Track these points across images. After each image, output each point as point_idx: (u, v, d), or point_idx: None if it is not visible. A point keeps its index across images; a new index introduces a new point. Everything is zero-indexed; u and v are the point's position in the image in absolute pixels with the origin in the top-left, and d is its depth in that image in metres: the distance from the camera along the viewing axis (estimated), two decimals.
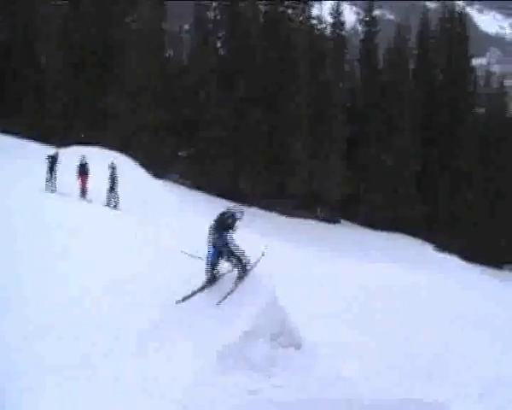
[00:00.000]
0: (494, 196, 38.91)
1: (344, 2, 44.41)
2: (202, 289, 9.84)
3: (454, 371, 10.77)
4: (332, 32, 39.95)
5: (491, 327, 13.58)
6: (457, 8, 45.04)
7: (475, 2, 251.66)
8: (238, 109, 33.82)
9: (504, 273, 36.83)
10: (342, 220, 34.96)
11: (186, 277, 9.94)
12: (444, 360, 11.17)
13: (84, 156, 19.92)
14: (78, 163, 19.61)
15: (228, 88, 33.91)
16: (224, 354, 8.55)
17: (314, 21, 39.37)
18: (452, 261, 30.79)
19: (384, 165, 36.31)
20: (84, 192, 19.35)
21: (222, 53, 36.77)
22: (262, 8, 37.97)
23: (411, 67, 41.89)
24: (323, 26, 39.84)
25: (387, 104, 37.37)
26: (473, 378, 10.58)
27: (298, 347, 9.60)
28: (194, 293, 9.70)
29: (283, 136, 33.73)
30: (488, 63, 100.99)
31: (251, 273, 9.95)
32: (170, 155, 34.31)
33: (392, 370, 10.32)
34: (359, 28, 42.76)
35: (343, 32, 40.53)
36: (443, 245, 34.08)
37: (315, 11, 39.86)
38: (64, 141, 27.04)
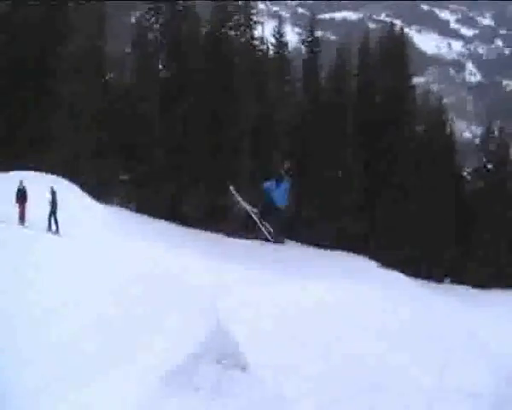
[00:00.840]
0: (433, 211, 39.45)
1: (286, 23, 44.80)
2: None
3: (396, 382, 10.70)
4: (275, 53, 40.12)
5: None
6: (397, 29, 45.95)
7: (415, 20, 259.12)
8: (180, 131, 33.54)
9: (444, 286, 37.90)
10: (287, 240, 34.88)
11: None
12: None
13: (22, 181, 19.39)
14: (16, 188, 19.09)
15: (170, 110, 33.59)
16: (169, 378, 8.36)
17: (256, 42, 39.53)
18: (395, 276, 31.37)
19: (327, 182, 36.51)
20: (22, 218, 18.77)
21: (164, 75, 36.43)
22: (203, 29, 38.07)
23: (353, 86, 42.48)
24: (266, 47, 40.10)
25: (330, 123, 37.65)
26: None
27: (243, 368, 9.42)
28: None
29: (226, 157, 33.61)
30: (427, 82, 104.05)
31: (196, 295, 9.78)
32: (112, 179, 33.69)
33: (333, 389, 10.20)
34: (302, 49, 43.21)
35: (286, 53, 40.66)
36: (386, 261, 34.57)
37: (257, 32, 39.95)
38: (1, 166, 26.21)
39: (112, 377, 8.07)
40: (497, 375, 11.27)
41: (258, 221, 10.89)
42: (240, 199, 11.19)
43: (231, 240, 29.32)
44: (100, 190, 29.61)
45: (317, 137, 37.49)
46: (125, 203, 33.31)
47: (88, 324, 9.15)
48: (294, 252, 32.13)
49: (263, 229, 11.11)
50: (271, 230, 10.55)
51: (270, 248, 30.04)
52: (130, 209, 32.55)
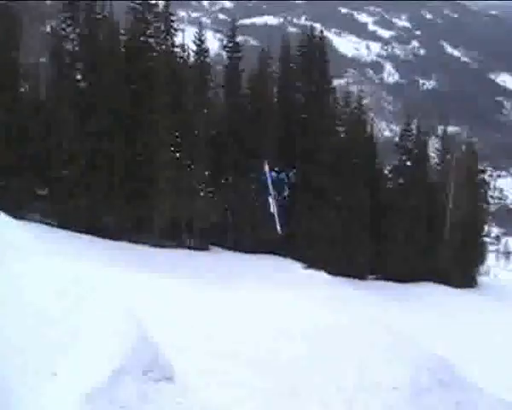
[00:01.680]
0: (347, 211, 40.33)
1: (207, 29, 44.69)
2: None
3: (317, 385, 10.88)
4: (195, 60, 39.98)
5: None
6: (317, 32, 46.61)
7: (334, 24, 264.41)
8: (96, 144, 32.91)
9: (366, 283, 39.06)
10: (212, 247, 35.04)
11: None
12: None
13: None
14: None
15: (87, 122, 32.90)
16: (91, 397, 8.03)
17: (177, 50, 39.34)
18: (319, 277, 32.13)
19: (246, 190, 36.76)
20: None
21: (81, 86, 35.63)
22: (122, 38, 37.61)
23: (274, 91, 42.94)
24: (186, 54, 39.95)
25: (251, 129, 37.92)
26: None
27: (170, 379, 9.31)
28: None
29: (145, 168, 33.32)
30: (347, 83, 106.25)
31: (119, 308, 9.62)
32: (28, 195, 32.64)
33: (264, 391, 10.27)
34: (223, 55, 43.32)
35: (207, 59, 40.53)
36: (309, 262, 35.30)
37: (178, 40, 39.71)
38: None
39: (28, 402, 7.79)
40: (415, 367, 11.65)
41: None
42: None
43: (157, 250, 29.06)
44: (16, 207, 28.39)
45: (237, 144, 37.62)
46: (45, 219, 32.32)
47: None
48: (223, 258, 32.30)
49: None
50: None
51: (195, 255, 30.08)
52: (52, 225, 31.64)
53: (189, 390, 9.34)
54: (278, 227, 14.75)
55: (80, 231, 29.44)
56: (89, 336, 9.10)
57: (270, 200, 14.61)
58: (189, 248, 33.55)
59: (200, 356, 10.96)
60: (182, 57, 39.60)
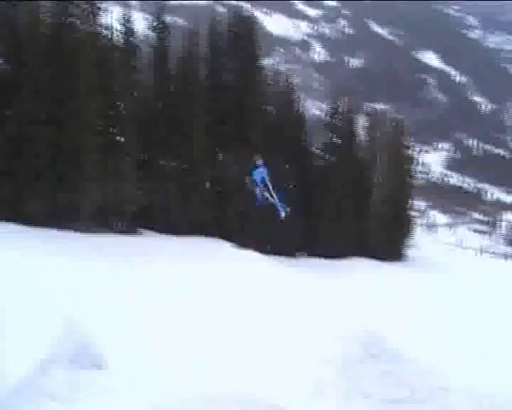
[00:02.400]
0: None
1: (134, 10, 43.65)
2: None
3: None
4: (122, 41, 39.07)
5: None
6: (245, 12, 46.45)
7: (262, 3, 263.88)
8: (17, 131, 31.78)
9: (297, 260, 40.08)
10: (142, 230, 34.72)
11: None
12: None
13: None
14: None
15: (6, 108, 31.75)
16: (19, 388, 7.91)
17: (103, 30, 38.31)
18: (250, 255, 32.51)
19: (176, 173, 36.53)
20: None
21: (2, 69, 34.21)
22: (44, 18, 36.33)
23: (203, 72, 42.55)
24: (112, 34, 38.96)
25: (179, 111, 37.58)
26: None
27: (101, 366, 9.28)
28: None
29: (72, 152, 32.47)
30: (276, 63, 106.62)
31: (48, 295, 9.51)
32: None
33: (198, 367, 10.41)
34: (151, 35, 42.52)
35: (134, 40, 39.65)
36: (239, 242, 35.59)
37: (104, 20, 38.59)
38: None
39: None
40: (347, 340, 12.05)
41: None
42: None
43: (84, 236, 28.56)
44: None
45: (166, 127, 37.22)
46: None
47: None
48: (152, 241, 32.05)
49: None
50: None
51: (124, 239, 29.74)
52: None
53: (121, 377, 9.34)
54: (282, 213, 15.77)
55: (3, 219, 28.56)
56: (15, 326, 8.93)
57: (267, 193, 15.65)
58: (118, 232, 33.03)
59: (132, 342, 10.97)
60: (108, 38, 38.63)
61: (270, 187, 14.77)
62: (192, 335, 11.86)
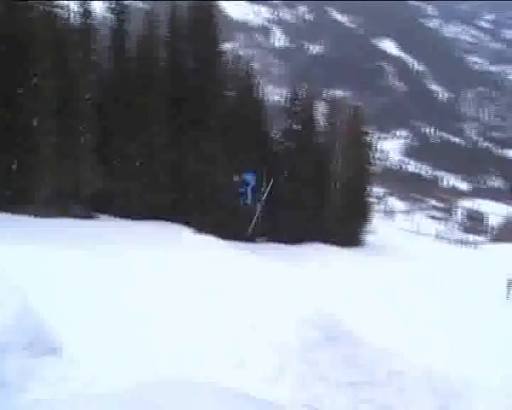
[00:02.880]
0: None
1: None
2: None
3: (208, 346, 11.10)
4: (79, 22, 38.29)
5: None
6: None
7: None
8: None
9: (256, 245, 40.07)
10: (97, 214, 34.24)
11: None
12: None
13: None
14: None
15: None
16: None
17: (59, 10, 37.46)
18: (209, 241, 32.52)
19: (135, 156, 36.13)
20: None
21: None
22: None
23: (162, 55, 42.00)
24: (69, 15, 38.13)
25: (137, 95, 37.06)
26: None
27: (56, 353, 9.10)
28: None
29: (27, 135, 31.70)
30: (235, 48, 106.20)
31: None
32: None
33: (153, 357, 10.36)
34: (109, 17, 41.75)
35: (91, 22, 38.90)
36: (198, 227, 35.46)
37: (59, 1, 37.70)
38: None
39: None
40: (304, 324, 12.13)
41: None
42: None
43: (39, 220, 28.07)
44: None
45: (125, 110, 36.68)
46: None
47: None
48: (109, 225, 31.67)
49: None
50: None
51: (79, 223, 29.32)
52: None
53: (77, 363, 9.20)
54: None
55: None
56: None
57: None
58: (74, 216, 32.43)
59: (89, 329, 10.85)
60: (64, 19, 37.78)
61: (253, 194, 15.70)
62: (152, 321, 11.81)
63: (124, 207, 35.59)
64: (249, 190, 15.65)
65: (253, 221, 15.83)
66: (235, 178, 16.40)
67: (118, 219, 34.04)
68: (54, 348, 9.03)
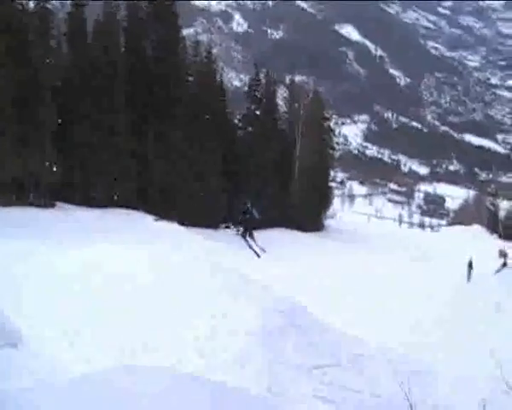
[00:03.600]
0: (202, 164, 40.52)
1: None
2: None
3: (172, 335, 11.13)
4: (36, 6, 37.38)
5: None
6: None
7: None
8: None
9: (219, 232, 40.05)
10: (58, 203, 33.58)
11: None
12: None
13: None
14: None
15: None
16: None
17: None
18: (172, 228, 32.41)
19: (97, 145, 35.61)
20: None
21: None
22: None
23: (122, 41, 41.35)
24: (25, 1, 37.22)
25: (98, 81, 36.48)
26: None
27: (15, 346, 9.01)
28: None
29: None
30: (196, 33, 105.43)
31: None
32: None
33: (115, 346, 10.34)
34: (67, 2, 40.95)
35: (48, 6, 38.03)
36: (162, 215, 35.30)
37: None
38: None
39: None
40: (268, 311, 12.23)
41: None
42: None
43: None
44: None
45: (85, 96, 36.03)
46: None
47: None
48: (71, 214, 31.18)
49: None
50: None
51: (40, 213, 28.85)
52: None
53: (37, 355, 9.14)
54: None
55: None
56: None
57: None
58: (35, 205, 31.78)
59: (48, 320, 10.77)
60: (20, 3, 36.91)
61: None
62: (114, 309, 11.76)
63: (85, 196, 35.12)
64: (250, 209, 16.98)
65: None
66: (244, 205, 17.91)
67: (79, 208, 33.46)
68: (14, 342, 8.94)
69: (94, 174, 35.52)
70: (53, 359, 9.15)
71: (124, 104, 36.98)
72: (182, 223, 35.16)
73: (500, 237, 68.30)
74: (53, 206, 32.90)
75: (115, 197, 35.99)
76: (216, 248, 30.30)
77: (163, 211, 36.01)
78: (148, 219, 34.32)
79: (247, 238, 24.16)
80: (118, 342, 10.59)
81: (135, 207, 36.08)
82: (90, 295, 12.52)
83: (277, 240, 39.14)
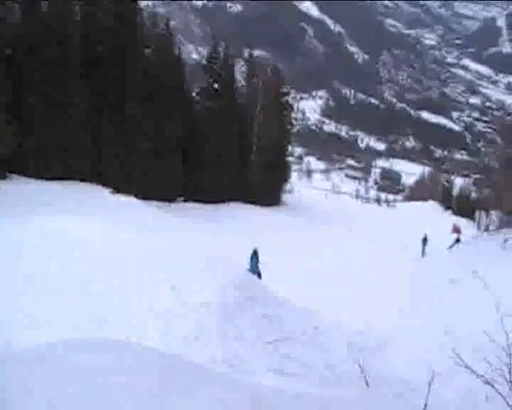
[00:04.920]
0: (160, 139, 40.11)
1: None
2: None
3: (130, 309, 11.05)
4: None
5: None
6: None
7: None
8: None
9: (177, 206, 39.94)
10: (11, 175, 32.72)
11: None
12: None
13: None
14: None
15: None
16: None
17: None
18: (129, 202, 32.07)
19: (50, 117, 34.76)
20: None
21: None
22: None
23: (78, 12, 40.19)
24: None
25: (51, 52, 35.44)
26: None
27: None
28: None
29: None
30: (154, 5, 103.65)
31: None
32: None
33: (76, 323, 10.21)
34: None
35: None
36: (118, 188, 34.87)
37: None
38: None
39: None
40: (224, 285, 12.23)
41: None
42: None
43: None
44: None
45: (38, 67, 35.01)
46: None
47: None
48: (24, 187, 30.41)
49: None
50: None
51: None
52: None
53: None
54: None
55: None
56: None
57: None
58: None
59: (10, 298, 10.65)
60: None
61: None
62: (69, 283, 11.61)
63: (38, 168, 34.28)
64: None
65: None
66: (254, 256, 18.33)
67: (33, 181, 32.67)
68: None
69: (48, 147, 34.70)
70: (1, 333, 9.01)
71: (78, 75, 36.07)
72: (139, 196, 34.78)
73: (454, 213, 69.73)
74: (4, 177, 32.06)
75: (70, 170, 35.17)
76: (173, 222, 30.16)
77: (119, 185, 35.51)
78: (105, 192, 33.84)
79: None
80: (73, 315, 10.46)
81: (90, 181, 35.48)
82: (46, 267, 12.34)
83: (235, 215, 39.17)
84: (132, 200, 33.10)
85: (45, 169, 34.22)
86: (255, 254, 18.38)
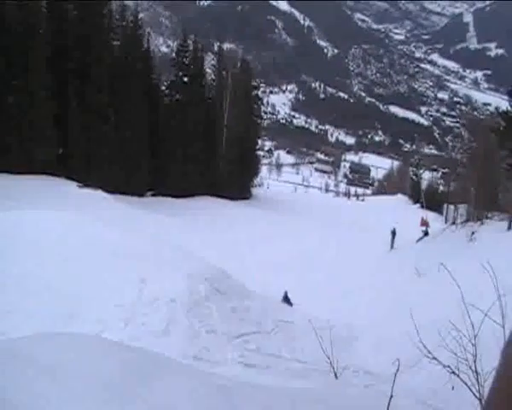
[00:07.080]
0: (126, 130, 39.74)
1: None
2: None
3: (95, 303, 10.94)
4: None
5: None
6: None
7: None
8: None
9: (144, 200, 39.58)
10: None
11: None
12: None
13: None
14: None
15: None
16: None
17: None
18: (96, 195, 31.70)
19: (13, 107, 34.14)
20: None
21: None
22: None
23: (43, 2, 39.44)
24: None
25: (16, 42, 34.75)
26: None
27: None
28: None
29: None
30: None
31: None
32: None
33: (42, 316, 10.09)
34: None
35: None
36: (85, 181, 34.35)
37: None
38: None
39: None
40: (193, 278, 12.18)
41: None
42: None
43: None
44: None
45: (2, 57, 34.21)
46: None
47: None
48: None
49: None
50: None
51: None
52: None
53: None
54: None
55: None
56: None
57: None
58: None
59: None
60: None
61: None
62: (36, 277, 11.45)
63: (4, 162, 33.57)
64: None
65: None
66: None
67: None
68: None
69: (11, 138, 34.00)
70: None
71: (44, 65, 35.42)
72: (106, 190, 34.36)
73: (422, 206, 70.48)
74: None
75: (35, 163, 34.44)
76: (141, 215, 29.95)
77: (85, 177, 34.98)
78: (72, 185, 33.37)
79: None
80: (40, 310, 10.31)
81: (55, 174, 34.83)
82: (10, 263, 12.14)
83: (204, 209, 39.03)
84: (100, 193, 32.71)
85: (9, 162, 33.46)
86: None
